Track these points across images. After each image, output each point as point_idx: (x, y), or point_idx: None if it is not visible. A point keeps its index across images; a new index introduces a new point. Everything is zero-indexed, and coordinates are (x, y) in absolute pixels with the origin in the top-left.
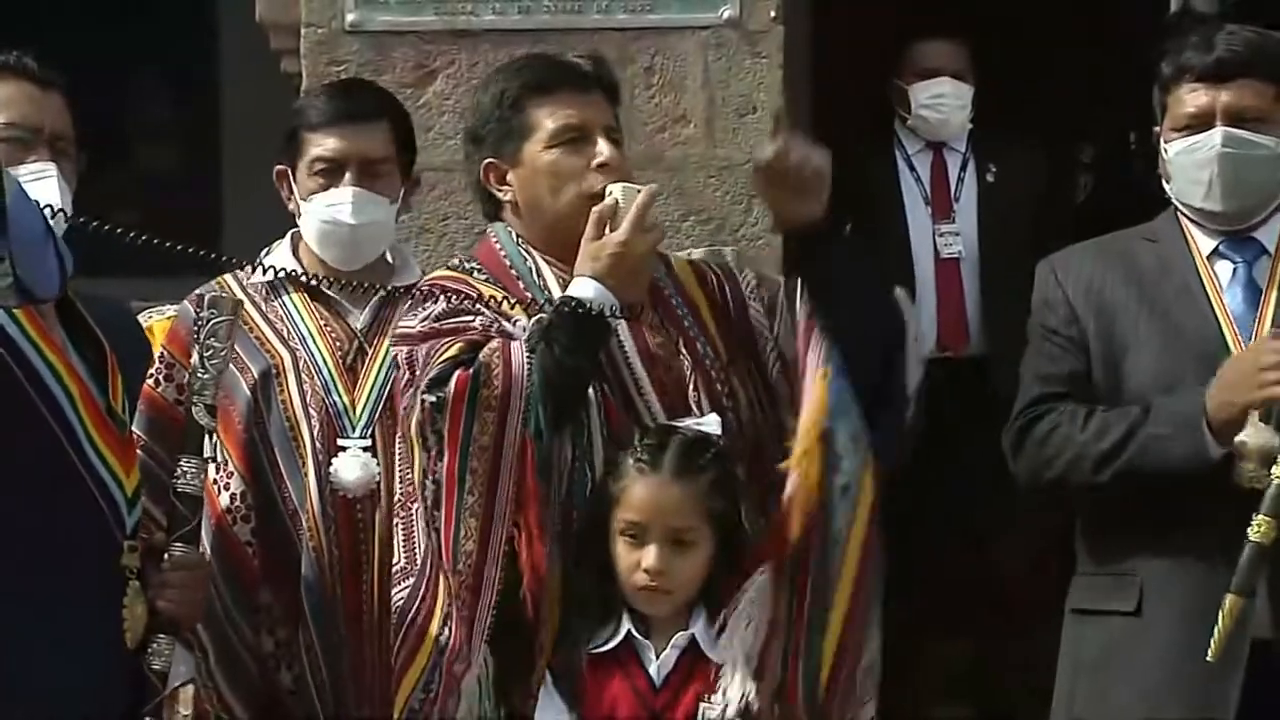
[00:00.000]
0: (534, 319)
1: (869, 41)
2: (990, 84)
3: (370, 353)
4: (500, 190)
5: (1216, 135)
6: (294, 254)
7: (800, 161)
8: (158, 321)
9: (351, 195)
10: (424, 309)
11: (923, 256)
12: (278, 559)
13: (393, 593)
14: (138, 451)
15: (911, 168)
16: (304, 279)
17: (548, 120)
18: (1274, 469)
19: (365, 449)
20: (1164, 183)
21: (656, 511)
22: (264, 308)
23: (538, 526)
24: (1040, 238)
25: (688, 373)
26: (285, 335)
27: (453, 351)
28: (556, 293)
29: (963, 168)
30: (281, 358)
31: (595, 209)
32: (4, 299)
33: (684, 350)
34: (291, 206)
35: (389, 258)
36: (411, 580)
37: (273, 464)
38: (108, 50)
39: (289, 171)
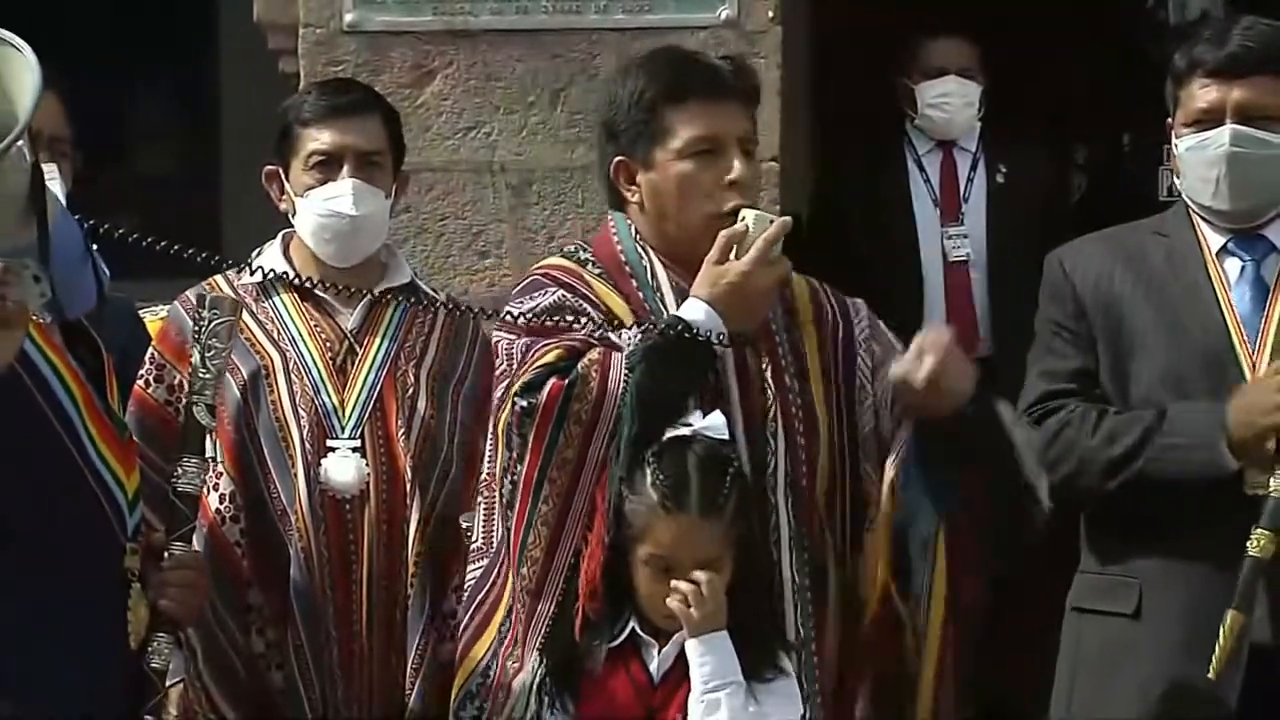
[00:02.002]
0: (640, 334)
1: (867, 41)
2: (997, 83)
3: (360, 353)
4: (629, 189)
5: (1225, 134)
6: (285, 255)
7: (931, 375)
8: (150, 323)
9: (351, 187)
10: (532, 298)
11: (931, 259)
12: (267, 559)
13: (468, 569)
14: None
15: (921, 169)
16: (294, 280)
17: (681, 129)
18: (1273, 482)
19: (354, 449)
20: (1174, 178)
21: (686, 548)
22: (254, 308)
23: (600, 545)
24: (1048, 238)
25: (770, 402)
26: (275, 336)
27: (550, 357)
28: (669, 296)
29: (973, 168)
30: (271, 358)
31: (724, 232)
32: (39, 315)
33: (770, 380)
34: (284, 206)
35: (381, 257)
36: (485, 562)
37: (262, 464)
38: (106, 51)
39: (279, 171)
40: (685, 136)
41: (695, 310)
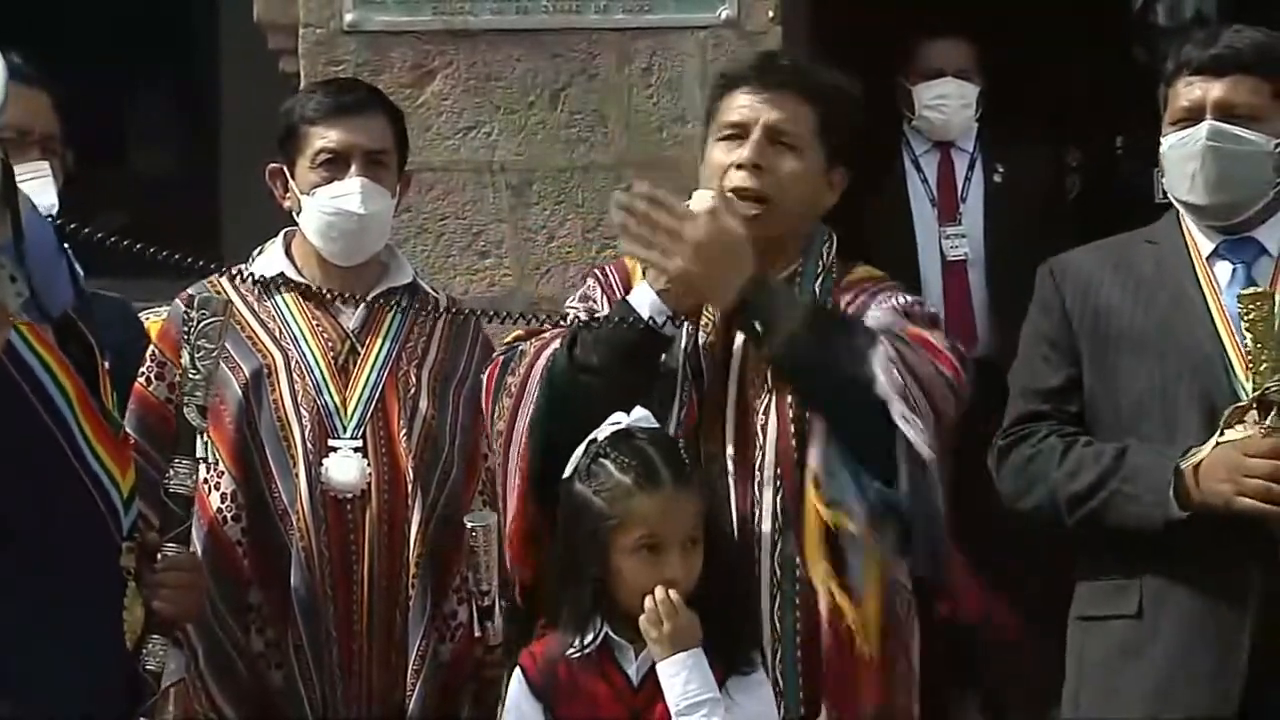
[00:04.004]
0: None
1: (866, 42)
2: (996, 83)
3: (362, 353)
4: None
5: (1203, 129)
6: (287, 254)
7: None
8: (152, 322)
9: (360, 185)
10: (579, 290)
11: (929, 259)
12: (268, 559)
13: None
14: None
15: (919, 169)
16: (297, 281)
17: (720, 117)
18: None
19: (356, 449)
20: (1160, 178)
21: (672, 523)
22: (256, 308)
23: (516, 515)
24: (1047, 238)
25: (762, 395)
26: (277, 335)
27: (509, 337)
28: None
29: (970, 168)
30: (273, 357)
31: None
32: (19, 316)
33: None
34: (288, 204)
35: (382, 257)
36: None
37: (263, 464)
38: (106, 50)
39: (283, 170)
40: (719, 123)
41: (640, 293)
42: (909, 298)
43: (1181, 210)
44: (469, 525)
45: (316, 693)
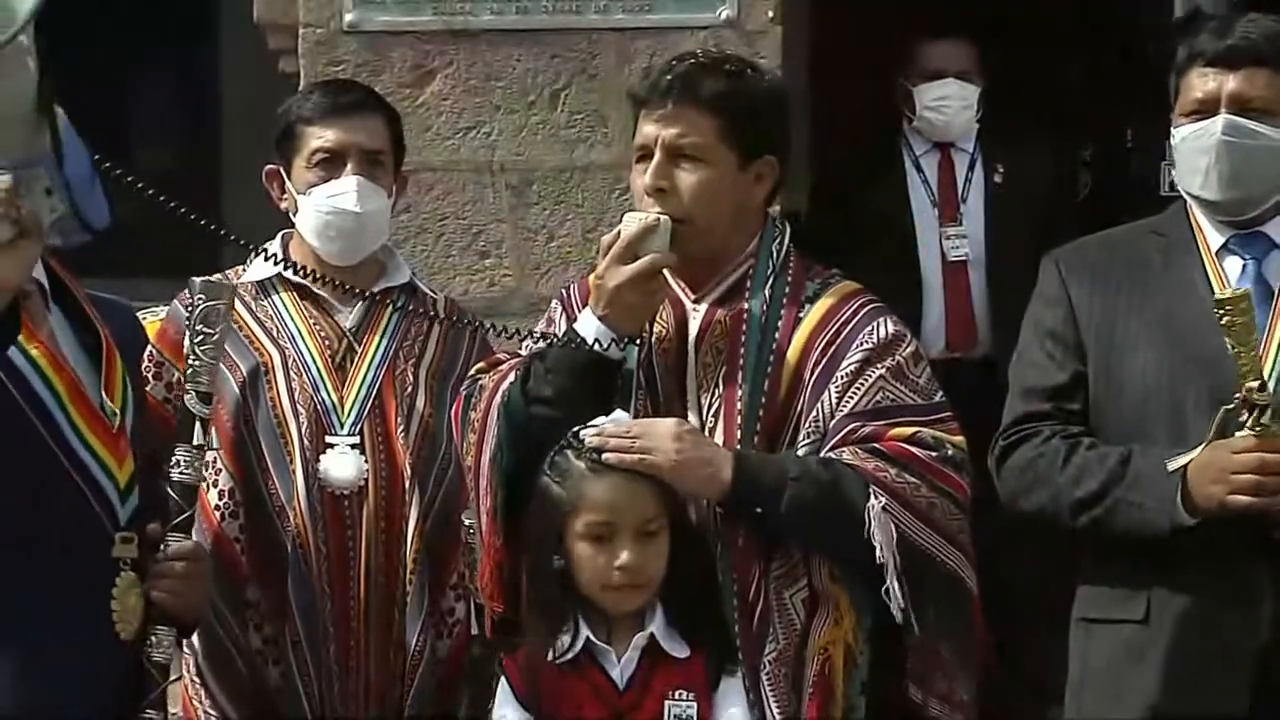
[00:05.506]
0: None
1: (866, 42)
2: (996, 84)
3: (359, 351)
4: None
5: (1218, 123)
6: (285, 254)
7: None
8: (150, 323)
9: (355, 184)
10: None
11: (929, 259)
12: (265, 555)
13: None
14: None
15: (919, 169)
16: (297, 275)
17: (634, 139)
18: None
19: (353, 446)
20: (1171, 170)
21: (624, 508)
22: (254, 307)
23: (486, 550)
24: (1048, 237)
25: (714, 401)
26: (275, 334)
27: (473, 370)
28: (665, 310)
29: (970, 168)
30: (270, 356)
31: (604, 239)
32: (66, 231)
33: (722, 385)
34: (285, 205)
35: (380, 257)
36: None
37: (260, 460)
38: (106, 50)
39: (280, 170)
40: (633, 146)
41: (584, 319)
42: (890, 328)
43: (1191, 203)
44: (466, 522)
45: (314, 689)
